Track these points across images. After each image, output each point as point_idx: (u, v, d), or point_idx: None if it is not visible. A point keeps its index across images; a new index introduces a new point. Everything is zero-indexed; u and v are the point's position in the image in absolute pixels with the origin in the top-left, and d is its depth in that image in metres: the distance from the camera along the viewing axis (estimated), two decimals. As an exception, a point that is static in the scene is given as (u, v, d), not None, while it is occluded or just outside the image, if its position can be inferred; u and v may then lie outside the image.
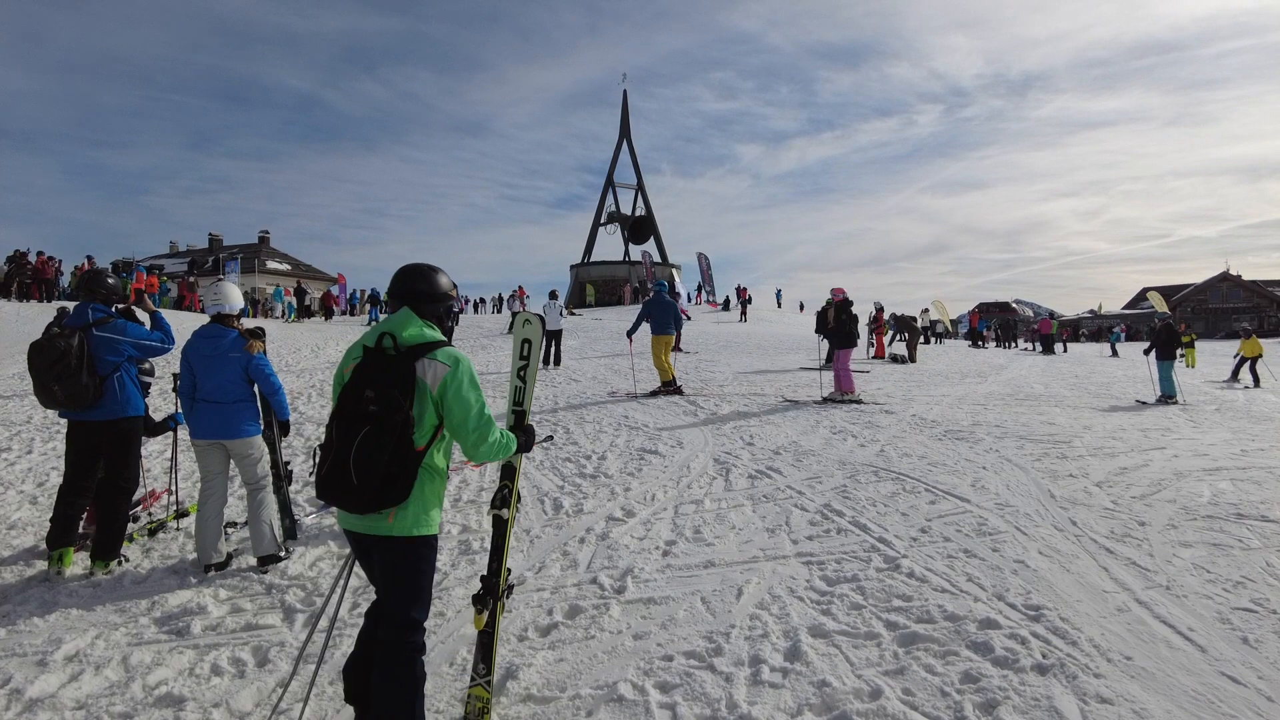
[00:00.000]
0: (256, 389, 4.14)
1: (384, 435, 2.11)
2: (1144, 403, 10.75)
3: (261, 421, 4.20)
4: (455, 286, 2.47)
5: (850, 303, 10.71)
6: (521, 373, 2.81)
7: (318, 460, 2.22)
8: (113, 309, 4.14)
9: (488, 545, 4.18)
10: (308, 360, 16.06)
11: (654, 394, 10.47)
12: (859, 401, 9.79)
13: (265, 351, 4.15)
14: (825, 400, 9.85)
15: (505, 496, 2.63)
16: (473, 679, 2.61)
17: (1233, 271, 56.17)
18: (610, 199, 45.82)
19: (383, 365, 2.19)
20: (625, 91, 46.18)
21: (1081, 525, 4.55)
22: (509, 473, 2.67)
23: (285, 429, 4.37)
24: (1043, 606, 3.35)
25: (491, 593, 2.60)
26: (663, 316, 10.75)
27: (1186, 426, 8.49)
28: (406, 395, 2.15)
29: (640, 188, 45.90)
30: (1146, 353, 11.89)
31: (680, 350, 16.70)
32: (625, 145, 45.86)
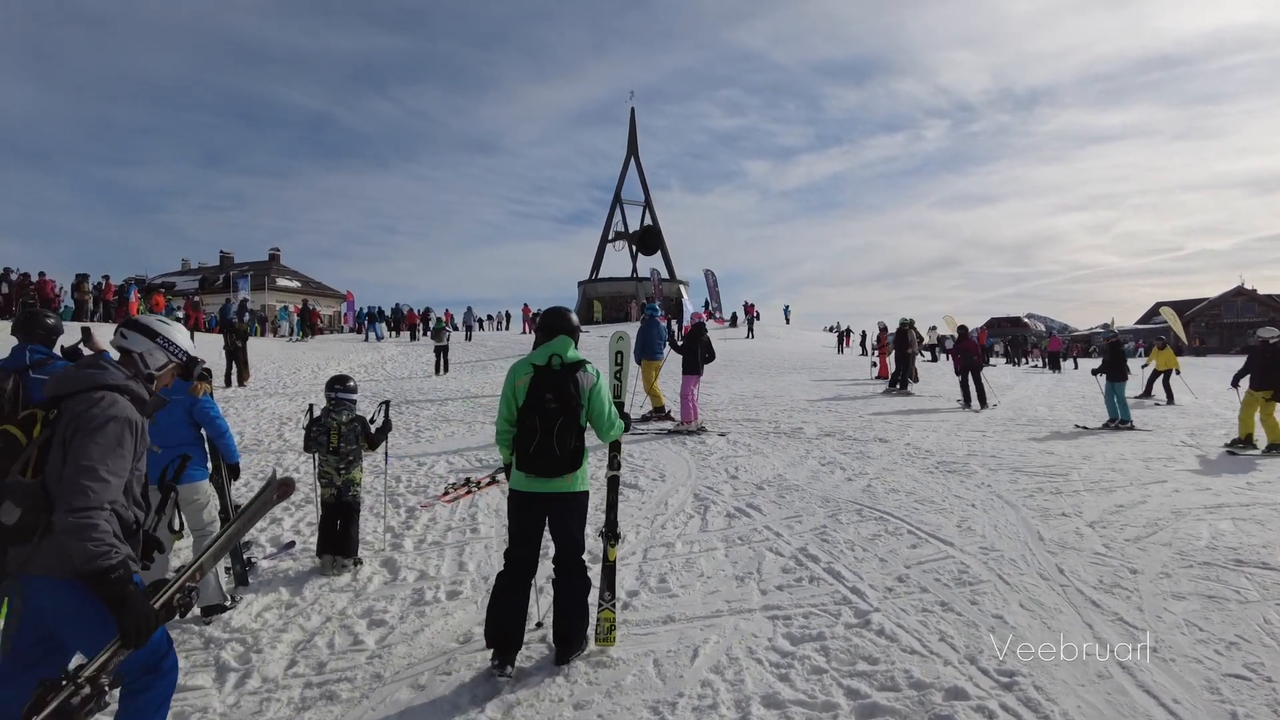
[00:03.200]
0: (204, 432, 4.02)
1: (571, 421, 3.16)
2: (1087, 427, 10.25)
3: (210, 465, 4.08)
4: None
5: (703, 328, 10.33)
6: (618, 374, 3.82)
7: (520, 447, 3.15)
8: (53, 350, 4.02)
9: (440, 596, 4.25)
10: (306, 381, 15.96)
11: (644, 419, 10.29)
12: (701, 430, 9.33)
13: (211, 393, 4.02)
14: (674, 431, 9.43)
15: (618, 462, 3.70)
16: (600, 604, 3.42)
17: (1247, 285, 55.27)
18: (618, 216, 45.85)
19: (555, 376, 3.19)
20: (633, 109, 46.46)
21: (1069, 573, 4.31)
22: (616, 446, 3.67)
23: (235, 472, 4.22)
24: (1017, 672, 3.13)
25: (612, 534, 3.54)
26: (653, 341, 10.60)
27: (1191, 455, 8.18)
28: (577, 392, 3.18)
29: (648, 204, 45.88)
30: (1096, 373, 10.76)
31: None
32: (633, 162, 45.92)
